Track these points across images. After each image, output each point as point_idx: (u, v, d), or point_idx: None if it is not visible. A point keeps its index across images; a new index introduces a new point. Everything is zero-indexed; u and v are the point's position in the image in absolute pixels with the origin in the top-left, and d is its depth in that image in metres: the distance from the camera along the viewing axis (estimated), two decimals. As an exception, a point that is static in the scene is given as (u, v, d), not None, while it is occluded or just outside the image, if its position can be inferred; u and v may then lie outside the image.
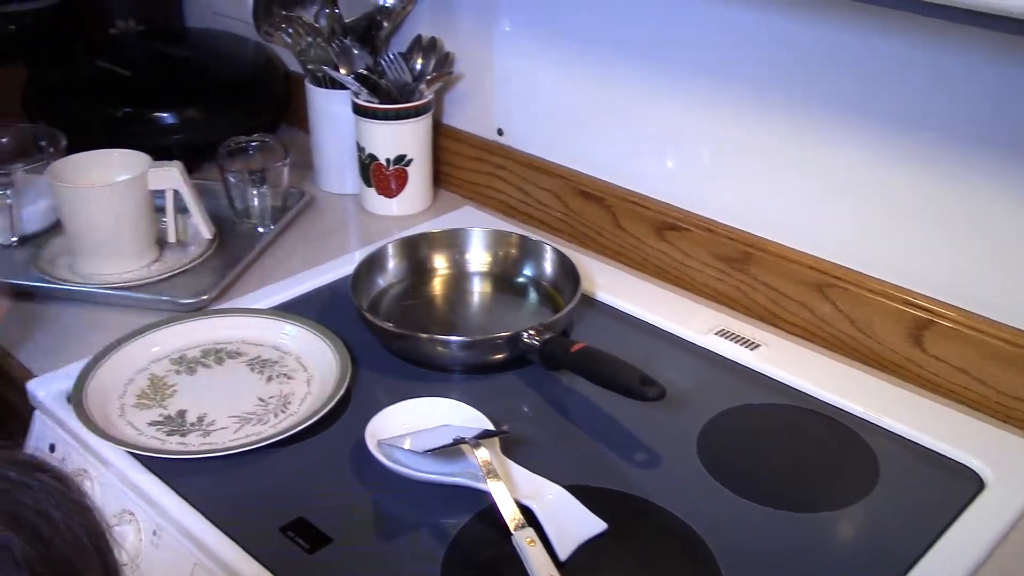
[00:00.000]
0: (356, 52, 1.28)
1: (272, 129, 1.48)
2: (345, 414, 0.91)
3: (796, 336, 1.04)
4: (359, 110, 1.25)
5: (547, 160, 1.24)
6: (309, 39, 1.30)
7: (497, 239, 1.12)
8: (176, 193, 1.14)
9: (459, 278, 1.12)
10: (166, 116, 1.37)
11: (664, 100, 1.09)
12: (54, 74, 1.46)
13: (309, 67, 1.32)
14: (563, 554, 0.73)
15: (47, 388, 0.93)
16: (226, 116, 1.40)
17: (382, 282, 1.08)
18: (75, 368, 0.94)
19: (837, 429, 0.90)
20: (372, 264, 1.08)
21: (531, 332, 0.94)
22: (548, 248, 1.10)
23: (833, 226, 1.01)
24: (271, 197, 1.24)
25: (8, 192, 1.15)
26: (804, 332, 1.04)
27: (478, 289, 1.11)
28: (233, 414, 0.90)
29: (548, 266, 1.09)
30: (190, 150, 1.32)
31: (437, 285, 1.11)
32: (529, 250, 1.11)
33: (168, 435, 0.87)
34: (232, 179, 1.23)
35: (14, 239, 1.17)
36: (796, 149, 1.00)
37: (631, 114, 1.13)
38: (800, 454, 0.88)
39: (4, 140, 1.22)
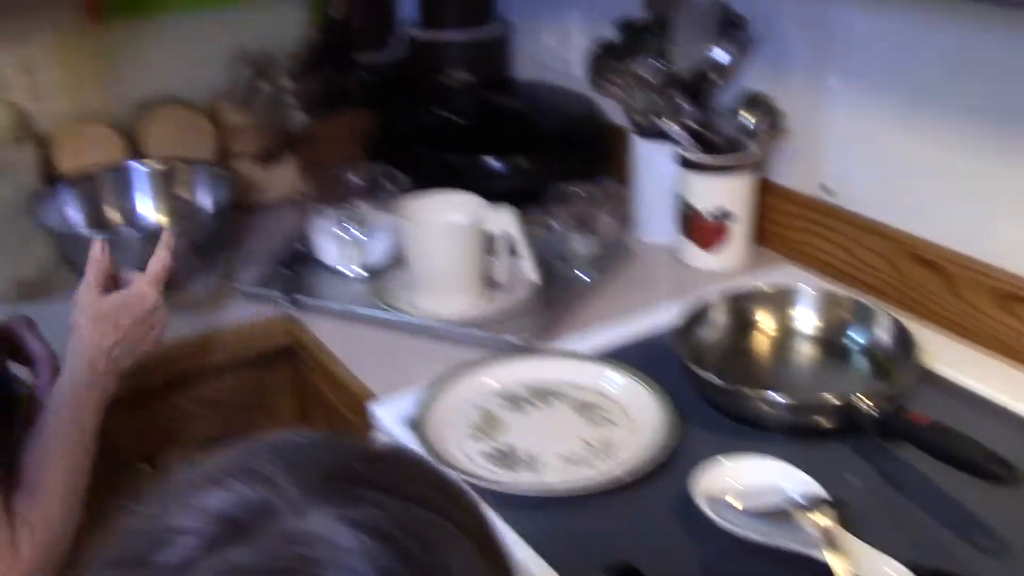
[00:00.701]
0: (685, 105, 1.30)
1: (592, 178, 1.52)
2: (666, 464, 0.91)
3: None
4: (684, 162, 1.26)
5: (877, 221, 1.20)
6: (639, 91, 1.33)
7: (828, 301, 1.09)
8: (508, 236, 1.19)
9: (785, 337, 1.09)
10: (495, 163, 1.44)
11: (1018, 164, 1.03)
12: (394, 120, 1.58)
13: (636, 118, 1.34)
14: (908, 637, 0.70)
15: (390, 411, 0.99)
16: (550, 165, 1.46)
17: (704, 335, 1.08)
18: (413, 395, 1.00)
19: None
20: (696, 316, 1.07)
21: (867, 399, 0.90)
22: (882, 314, 1.05)
23: None
24: (593, 244, 1.27)
25: (359, 228, 1.25)
26: None
27: (804, 350, 1.08)
28: (559, 452, 0.93)
29: (881, 332, 1.04)
30: (514, 196, 1.37)
31: (762, 342, 1.10)
32: (861, 315, 1.07)
33: (498, 467, 0.91)
34: (557, 225, 1.27)
35: (364, 272, 1.27)
36: None
37: (977, 177, 1.07)
38: None
39: (357, 179, 1.32)
